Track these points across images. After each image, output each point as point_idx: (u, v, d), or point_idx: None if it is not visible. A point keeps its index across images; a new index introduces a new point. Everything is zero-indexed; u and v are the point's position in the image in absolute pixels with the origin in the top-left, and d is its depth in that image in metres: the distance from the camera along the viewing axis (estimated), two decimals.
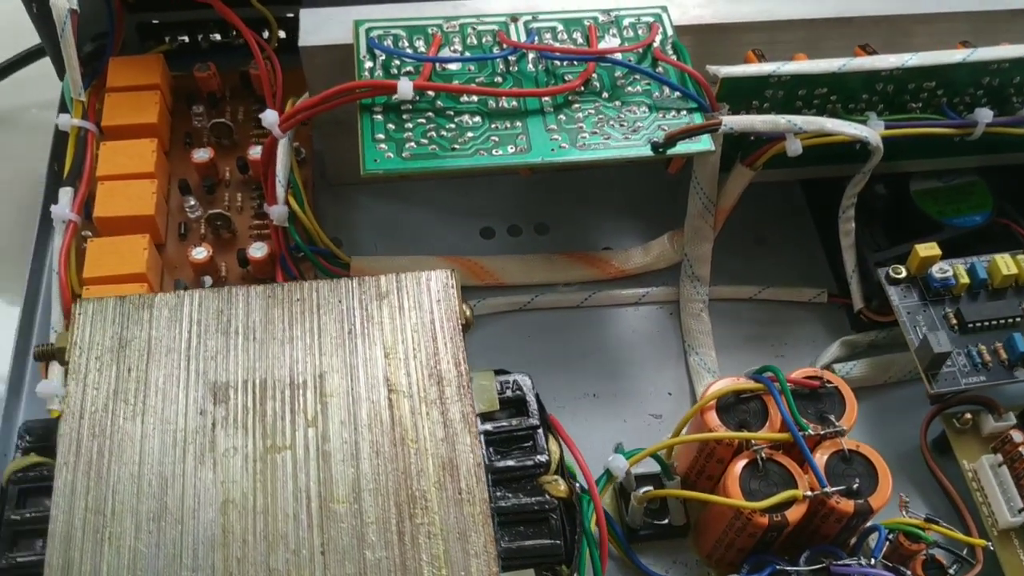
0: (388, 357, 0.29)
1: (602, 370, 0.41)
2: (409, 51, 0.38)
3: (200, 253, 0.39)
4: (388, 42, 0.38)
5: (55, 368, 0.36)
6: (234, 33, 0.47)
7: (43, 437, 0.29)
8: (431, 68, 0.37)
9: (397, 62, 0.38)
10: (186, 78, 0.45)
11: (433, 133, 0.36)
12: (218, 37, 0.47)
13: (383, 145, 0.35)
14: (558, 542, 0.28)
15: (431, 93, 0.37)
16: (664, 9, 0.40)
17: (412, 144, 0.35)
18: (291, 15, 0.46)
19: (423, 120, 0.36)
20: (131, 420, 0.27)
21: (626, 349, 0.42)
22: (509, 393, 0.30)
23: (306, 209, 0.40)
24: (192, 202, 0.41)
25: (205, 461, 0.26)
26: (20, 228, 0.47)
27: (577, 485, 0.30)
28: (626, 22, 0.40)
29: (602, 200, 0.46)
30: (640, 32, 0.39)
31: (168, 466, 0.26)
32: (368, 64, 0.37)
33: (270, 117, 0.37)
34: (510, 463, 0.29)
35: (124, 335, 0.29)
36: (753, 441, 0.33)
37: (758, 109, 0.39)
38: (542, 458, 0.29)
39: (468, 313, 0.30)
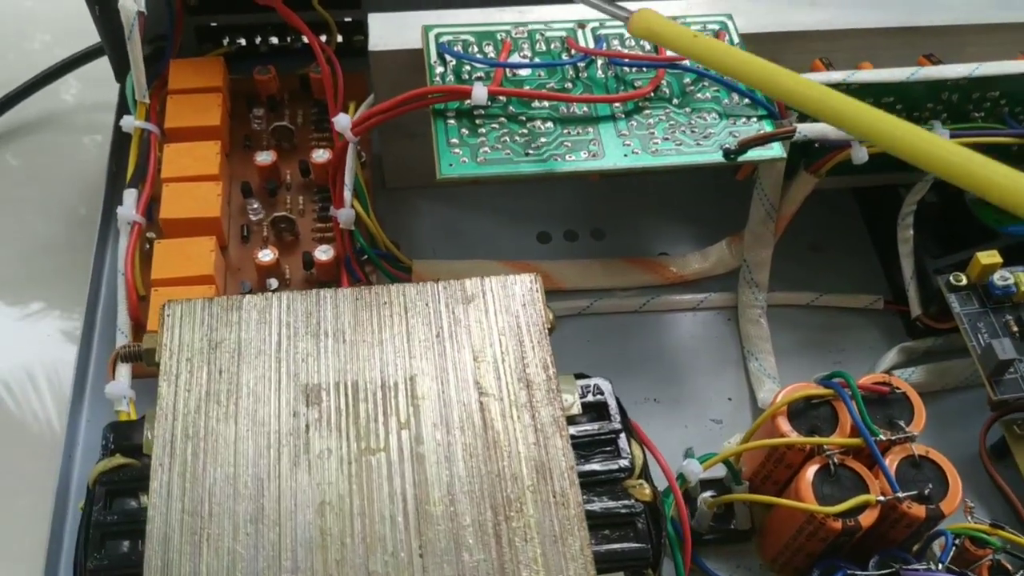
0: (477, 360, 0.29)
1: (662, 375, 0.41)
2: (480, 56, 0.38)
3: (266, 256, 0.39)
4: (458, 47, 0.38)
5: (122, 369, 0.37)
6: (290, 38, 0.47)
7: (127, 438, 0.30)
8: (502, 73, 0.37)
9: (468, 67, 0.38)
10: (244, 81, 0.45)
11: (507, 138, 0.36)
12: (275, 41, 0.47)
13: (457, 150, 0.36)
14: (647, 546, 0.28)
15: (503, 98, 0.37)
16: (729, 17, 0.40)
17: (486, 149, 0.36)
18: (348, 19, 0.47)
19: (496, 125, 0.36)
20: (224, 422, 0.27)
21: (685, 354, 0.42)
22: (590, 397, 0.31)
23: (370, 213, 0.40)
24: (255, 205, 0.41)
25: (300, 463, 0.27)
26: (72, 228, 0.47)
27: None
28: (693, 29, 0.40)
29: (657, 206, 0.46)
30: None
31: (263, 468, 0.27)
32: (439, 69, 0.38)
33: (343, 121, 0.37)
34: (594, 467, 0.29)
35: (214, 337, 0.29)
36: (825, 446, 0.34)
37: None
38: (625, 462, 0.29)
39: (551, 317, 0.30)
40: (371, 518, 0.26)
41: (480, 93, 0.36)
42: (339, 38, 0.46)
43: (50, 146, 0.51)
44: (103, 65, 0.51)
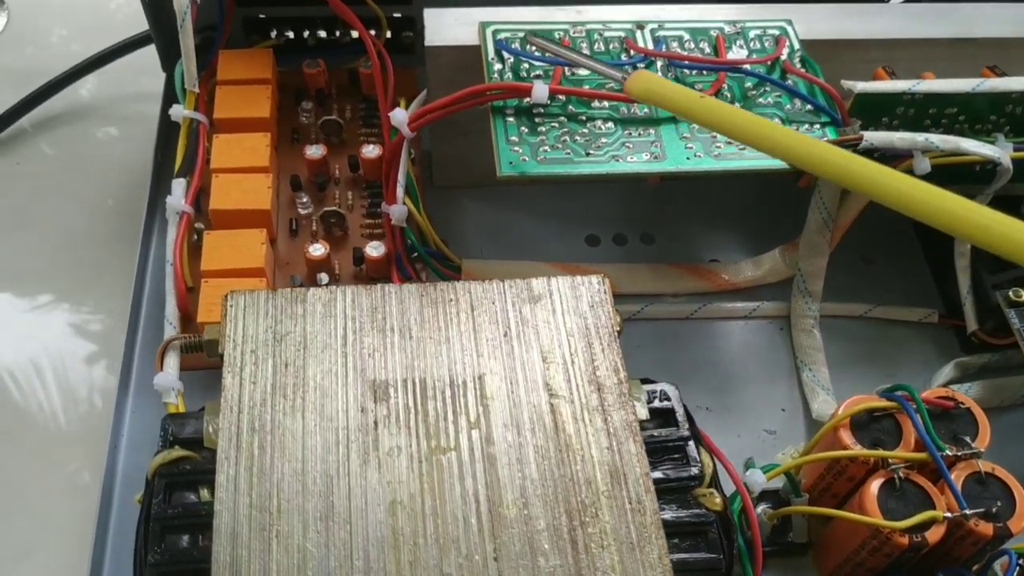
0: (546, 361, 0.28)
1: (713, 383, 0.40)
2: (539, 54, 0.37)
3: (318, 250, 0.38)
4: (516, 45, 0.38)
5: (170, 361, 0.36)
6: (339, 32, 0.47)
7: (186, 430, 0.29)
8: (562, 72, 0.37)
9: (526, 65, 0.37)
10: (291, 74, 0.45)
11: (567, 138, 0.35)
12: (323, 34, 0.46)
13: (517, 148, 0.35)
14: (720, 556, 0.27)
15: (563, 97, 0.36)
16: (789, 22, 0.40)
17: (546, 148, 0.35)
18: (398, 15, 0.46)
19: (556, 124, 0.36)
20: (291, 416, 0.27)
21: (737, 363, 0.41)
22: (656, 403, 0.30)
23: (421, 210, 0.40)
24: (304, 199, 0.41)
25: (370, 460, 0.26)
26: (108, 219, 0.47)
27: None
28: (752, 34, 0.39)
29: (706, 212, 0.45)
30: (766, 44, 0.39)
31: (332, 464, 0.26)
32: (497, 66, 0.37)
33: (400, 116, 0.37)
34: (663, 474, 0.28)
35: (279, 329, 0.28)
36: (890, 460, 0.33)
37: (886, 126, 0.38)
38: (695, 470, 0.29)
39: (619, 319, 0.30)
40: (443, 519, 0.25)
41: (541, 91, 0.35)
42: (388, 34, 0.45)
43: (85, 136, 0.50)
44: (139, 57, 0.50)
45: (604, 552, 0.25)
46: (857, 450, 0.33)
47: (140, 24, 0.49)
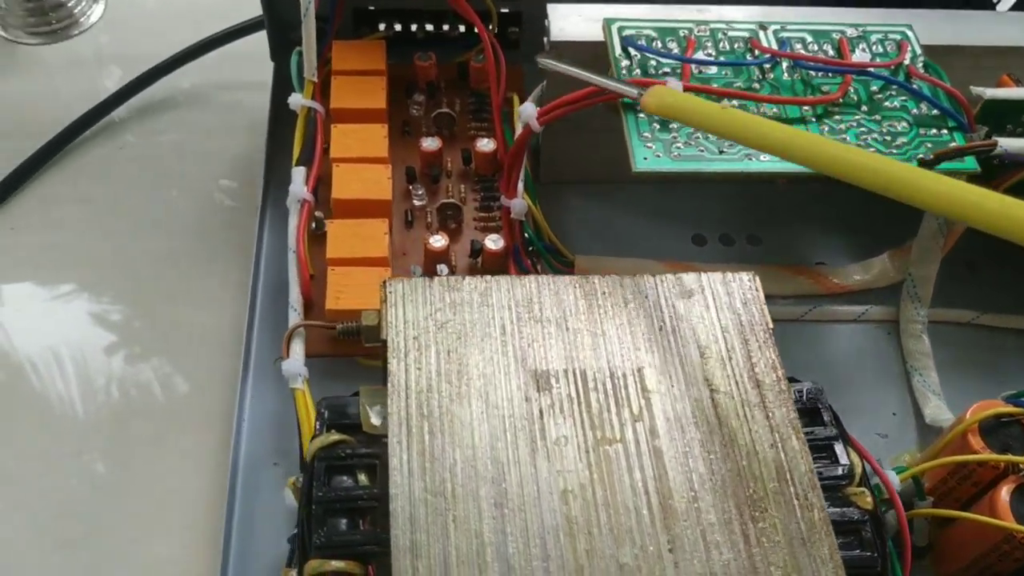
0: (704, 356, 0.28)
1: (824, 386, 0.40)
2: (665, 51, 0.38)
3: (438, 241, 0.39)
4: (641, 42, 0.38)
5: (296, 347, 0.36)
6: (446, 26, 0.47)
7: (340, 414, 0.29)
8: (690, 70, 0.37)
9: (653, 62, 0.37)
10: (398, 66, 0.45)
11: (699, 136, 0.35)
12: (430, 27, 0.47)
13: (651, 144, 0.35)
14: (875, 555, 0.27)
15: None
16: (910, 27, 0.40)
17: (679, 145, 0.35)
18: (505, 11, 0.46)
19: None
20: (458, 403, 0.27)
21: (846, 366, 0.41)
22: (803, 402, 0.30)
23: (537, 204, 0.40)
24: (420, 191, 0.41)
25: (538, 449, 0.26)
26: (218, 204, 0.47)
27: None
28: (874, 38, 0.39)
29: (814, 215, 0.45)
30: (888, 48, 0.39)
31: (501, 451, 0.26)
32: (624, 63, 0.37)
33: (529, 110, 0.37)
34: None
35: (438, 317, 0.28)
36: (1021, 465, 0.33)
37: (1010, 133, 0.38)
38: (844, 469, 0.29)
39: (769, 318, 0.30)
40: (616, 509, 0.25)
41: (675, 88, 0.35)
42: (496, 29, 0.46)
43: (186, 123, 0.50)
44: (238, 45, 0.51)
45: (775, 547, 0.25)
46: (988, 454, 0.33)
47: (234, 13, 0.50)
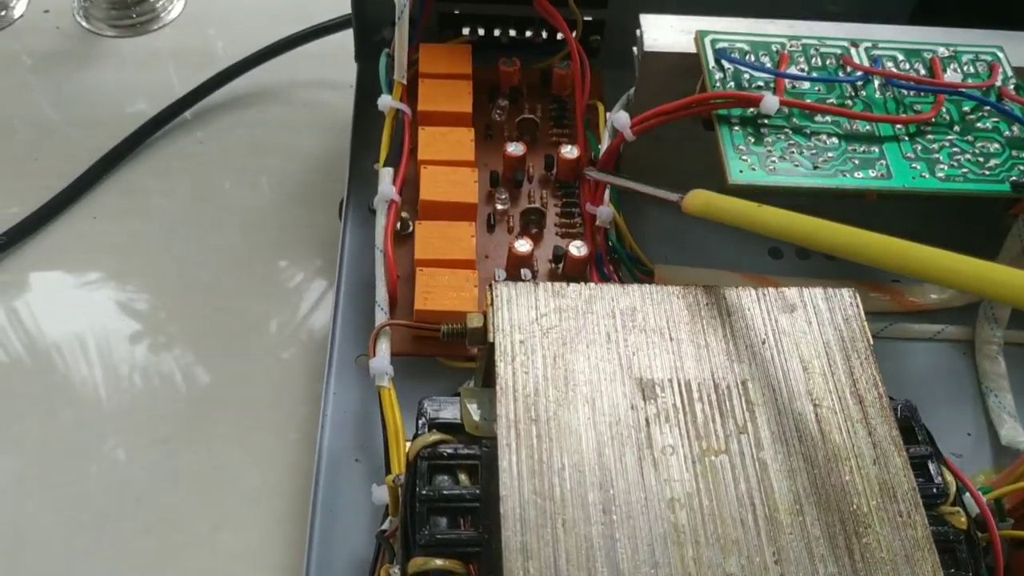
0: (807, 371, 0.29)
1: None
2: (759, 65, 0.38)
3: (523, 246, 0.39)
4: (735, 55, 0.38)
5: (383, 345, 0.37)
6: (529, 32, 0.47)
7: (441, 414, 0.29)
8: (784, 85, 0.37)
9: (747, 75, 0.38)
10: (483, 70, 0.45)
11: (793, 150, 0.36)
12: (513, 33, 0.47)
13: (746, 157, 0.35)
14: (970, 575, 0.27)
15: (786, 110, 0.36)
16: (1000, 49, 0.40)
17: (774, 159, 0.35)
18: (588, 18, 0.47)
19: (781, 136, 0.36)
20: (565, 408, 0.27)
21: (921, 384, 0.41)
22: (898, 419, 0.30)
23: (621, 213, 0.40)
24: (504, 195, 0.41)
25: (645, 457, 0.26)
26: (296, 199, 0.48)
27: None
28: (965, 58, 0.39)
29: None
30: (980, 69, 0.39)
31: (608, 457, 0.26)
32: (718, 75, 0.38)
33: (623, 119, 0.37)
34: None
35: (542, 322, 0.29)
36: None
37: None
38: (939, 488, 0.29)
39: (870, 336, 0.30)
40: (722, 519, 0.25)
41: (771, 102, 0.35)
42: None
43: (264, 119, 0.51)
44: (317, 45, 0.51)
45: (879, 563, 0.25)
46: None
47: (307, 13, 0.51)
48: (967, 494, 0.33)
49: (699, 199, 0.33)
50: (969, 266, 0.25)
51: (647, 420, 0.27)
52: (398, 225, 0.40)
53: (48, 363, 0.41)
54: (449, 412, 0.30)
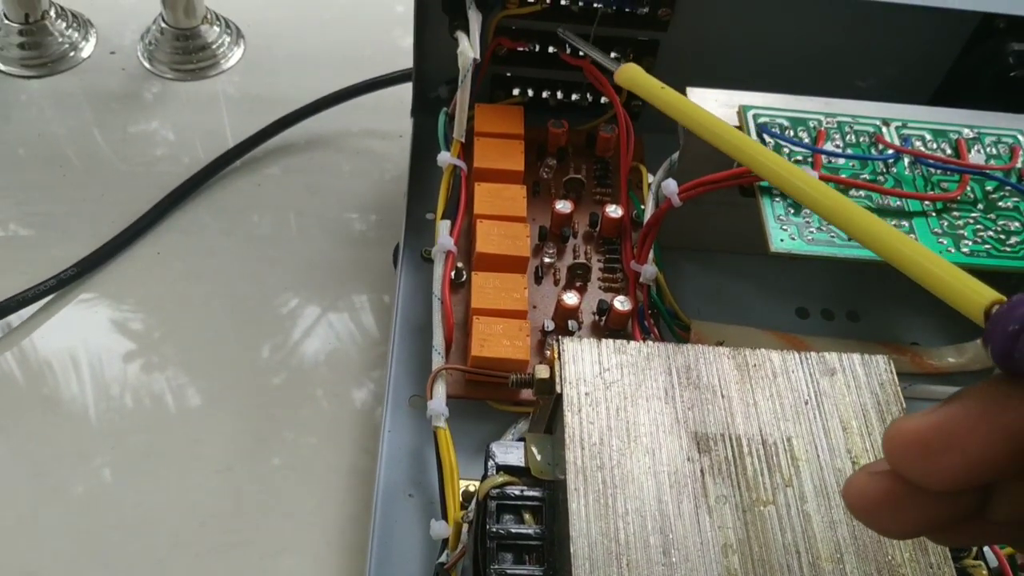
0: (846, 431, 0.31)
1: None
2: (797, 140, 0.41)
3: (571, 299, 0.42)
4: (775, 130, 0.41)
5: (439, 389, 0.39)
6: (575, 95, 0.50)
7: (508, 458, 0.32)
8: (821, 160, 0.40)
9: (787, 150, 0.41)
10: (532, 131, 0.48)
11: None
12: (560, 95, 0.50)
13: (786, 227, 0.38)
14: None
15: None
16: (1021, 132, 0.43)
17: (812, 230, 0.38)
18: None
19: None
20: (627, 457, 0.30)
21: None
22: None
23: (663, 271, 0.43)
24: (552, 249, 0.44)
25: (700, 505, 0.29)
26: (350, 244, 0.50)
27: None
28: (987, 140, 0.42)
29: (911, 298, 0.48)
30: (1001, 151, 0.42)
31: (667, 504, 0.29)
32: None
33: (671, 186, 0.40)
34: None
35: (605, 376, 0.31)
36: None
37: None
38: None
39: (903, 399, 0.33)
40: (770, 565, 0.28)
41: (811, 175, 0.38)
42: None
43: (321, 166, 0.54)
44: (372, 97, 0.54)
45: None
46: None
47: (357, 64, 0.54)
48: (987, 549, 0.36)
49: (628, 71, 0.39)
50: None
51: (702, 471, 0.30)
52: (452, 274, 0.43)
53: (101, 388, 0.44)
54: (514, 457, 0.32)
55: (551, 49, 0.48)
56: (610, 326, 0.43)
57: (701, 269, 0.48)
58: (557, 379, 0.31)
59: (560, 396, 0.31)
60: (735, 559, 0.28)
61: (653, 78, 0.38)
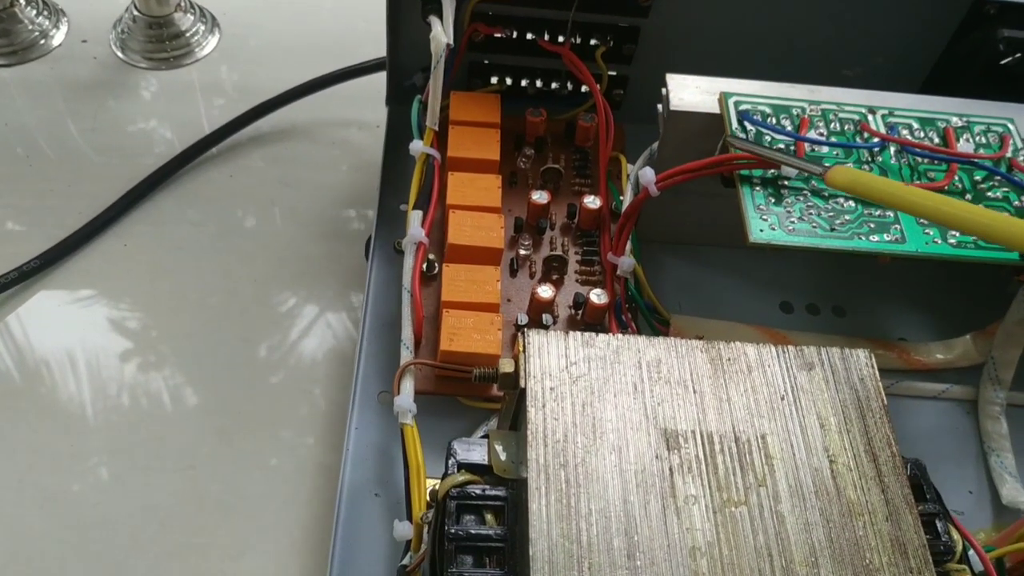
0: (824, 428, 0.30)
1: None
2: (779, 128, 0.39)
3: (545, 292, 0.40)
4: (757, 117, 0.40)
5: (407, 384, 0.38)
6: (555, 84, 0.49)
7: (470, 456, 0.31)
8: (804, 148, 0.39)
9: (768, 138, 0.39)
10: (509, 119, 0.47)
11: (812, 212, 0.37)
12: (539, 84, 0.49)
13: (766, 217, 0.37)
14: None
15: (806, 172, 0.38)
16: (1011, 121, 0.41)
17: (793, 220, 0.37)
18: (612, 73, 0.48)
19: (800, 198, 0.37)
20: (592, 455, 0.28)
21: (924, 442, 0.42)
22: (907, 476, 0.31)
23: (641, 263, 0.41)
24: (528, 241, 0.43)
25: (668, 505, 0.27)
26: (321, 235, 0.49)
27: None
28: (977, 129, 0.41)
29: (897, 291, 0.47)
30: (991, 140, 0.41)
31: (632, 505, 0.27)
32: (741, 136, 0.39)
33: (648, 174, 0.39)
34: None
35: (572, 370, 0.30)
36: None
37: None
38: (946, 546, 0.30)
39: (884, 395, 0.31)
40: (740, 569, 0.27)
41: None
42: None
43: (294, 156, 0.53)
44: (345, 87, 0.53)
45: None
46: None
47: (335, 53, 0.52)
48: (971, 552, 0.34)
49: (842, 175, 0.35)
50: None
51: (671, 470, 0.28)
52: (424, 266, 0.41)
53: (64, 383, 0.42)
54: (477, 454, 0.31)
55: (529, 35, 0.46)
56: (587, 320, 0.41)
57: (682, 263, 0.47)
58: (521, 373, 0.30)
59: (524, 391, 0.30)
60: (704, 562, 0.27)
61: (881, 177, 0.36)
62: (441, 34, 0.41)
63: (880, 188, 0.35)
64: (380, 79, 0.52)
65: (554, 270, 0.42)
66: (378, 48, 0.51)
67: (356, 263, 0.47)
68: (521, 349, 0.30)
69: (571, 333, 0.31)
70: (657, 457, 0.28)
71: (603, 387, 0.30)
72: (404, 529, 0.34)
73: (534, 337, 0.31)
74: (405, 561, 0.34)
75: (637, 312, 0.42)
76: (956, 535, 0.31)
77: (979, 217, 0.32)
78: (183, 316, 0.45)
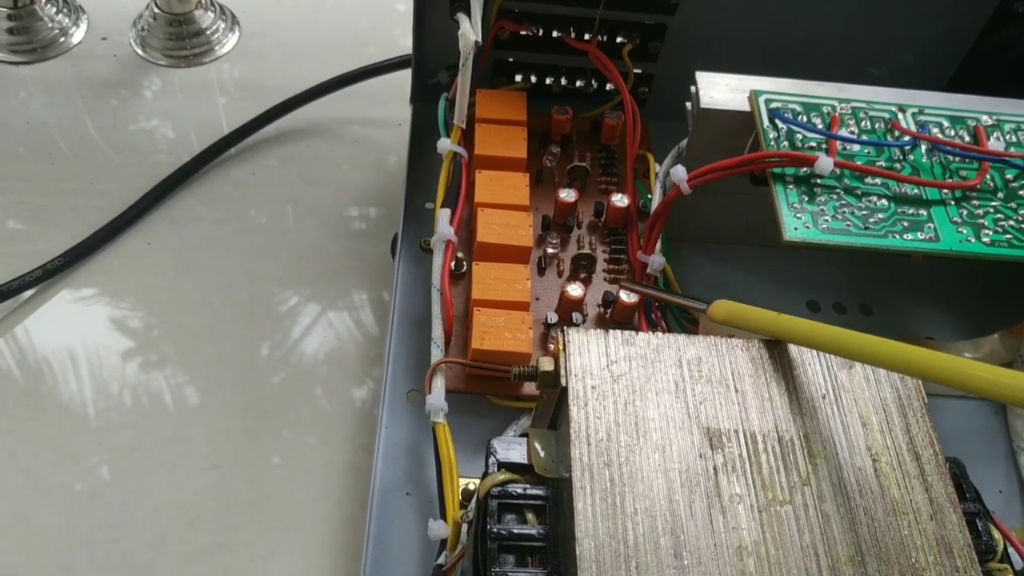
0: (866, 427, 0.30)
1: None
2: (811, 126, 0.39)
3: (576, 290, 0.40)
4: (788, 115, 0.40)
5: (438, 382, 0.38)
6: (580, 82, 0.49)
7: (510, 455, 0.30)
8: (836, 146, 0.39)
9: (800, 136, 0.39)
10: (535, 118, 0.47)
11: (845, 211, 0.37)
12: (564, 82, 0.48)
13: (800, 215, 0.37)
14: None
15: (838, 170, 0.38)
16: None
17: (827, 219, 0.37)
18: (638, 71, 0.48)
19: (833, 196, 0.37)
20: (636, 454, 0.28)
21: (953, 441, 0.42)
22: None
23: (670, 262, 0.41)
24: (555, 239, 0.43)
25: (713, 505, 0.27)
26: (346, 234, 0.49)
27: None
28: (1007, 127, 0.41)
29: (924, 291, 0.47)
30: (1021, 139, 0.41)
31: (678, 504, 0.27)
32: (772, 134, 0.39)
33: (680, 172, 0.38)
34: None
35: (614, 369, 0.30)
36: None
37: None
38: (988, 545, 0.30)
39: (925, 393, 0.31)
40: (787, 568, 0.26)
41: (826, 164, 0.37)
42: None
43: (316, 154, 0.52)
44: (367, 85, 0.53)
45: None
46: None
47: (355, 51, 0.52)
48: (1012, 551, 0.34)
49: (722, 309, 0.34)
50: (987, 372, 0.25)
51: (715, 469, 0.28)
52: (452, 264, 0.41)
53: (90, 382, 0.42)
54: (517, 453, 0.31)
55: (555, 33, 0.46)
56: (616, 319, 0.41)
57: (710, 261, 0.47)
58: (562, 372, 0.30)
59: (565, 389, 0.29)
60: (750, 562, 0.26)
61: (757, 309, 0.33)
62: (470, 31, 0.41)
63: (755, 318, 0.33)
64: (400, 77, 0.52)
65: (583, 268, 0.42)
66: (397, 47, 0.52)
67: (379, 261, 0.47)
68: (561, 347, 0.30)
69: (611, 331, 0.31)
70: (701, 456, 0.28)
71: (644, 386, 0.30)
72: (439, 528, 0.34)
73: (574, 335, 0.30)
74: (441, 560, 0.34)
75: (666, 310, 0.42)
76: (996, 534, 0.31)
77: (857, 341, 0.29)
78: (207, 314, 0.45)
